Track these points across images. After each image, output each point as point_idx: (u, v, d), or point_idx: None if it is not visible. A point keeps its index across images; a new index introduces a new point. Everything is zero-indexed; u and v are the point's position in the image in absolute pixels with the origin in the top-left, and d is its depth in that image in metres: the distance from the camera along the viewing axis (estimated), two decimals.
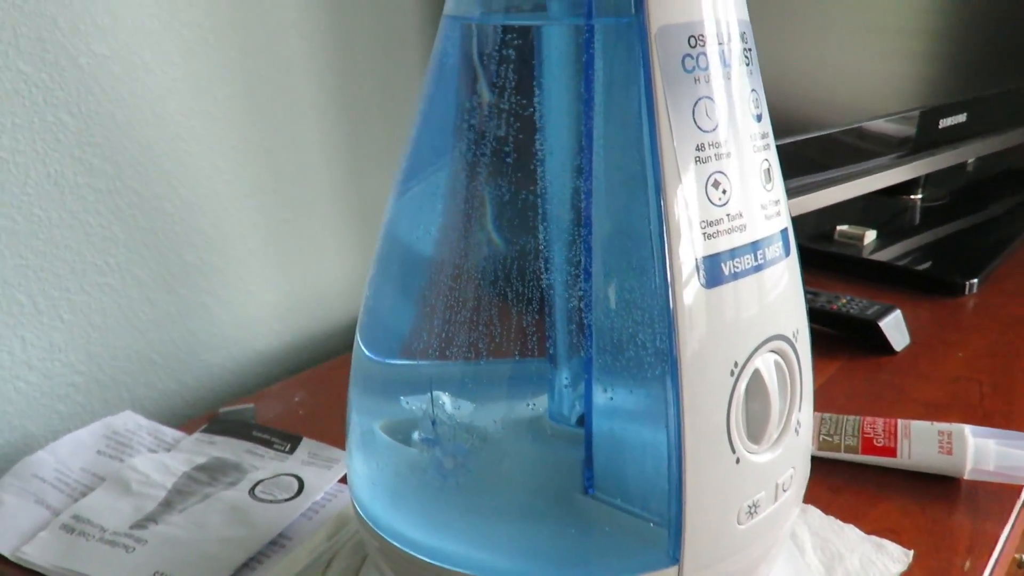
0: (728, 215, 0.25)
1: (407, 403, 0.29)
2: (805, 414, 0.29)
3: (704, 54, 0.24)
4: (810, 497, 0.40)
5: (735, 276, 0.25)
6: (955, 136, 0.81)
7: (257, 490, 0.41)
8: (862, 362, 0.55)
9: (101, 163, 0.49)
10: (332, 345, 0.64)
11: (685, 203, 0.24)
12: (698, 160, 0.24)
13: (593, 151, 0.26)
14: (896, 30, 0.71)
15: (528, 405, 0.31)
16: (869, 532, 0.38)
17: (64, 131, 0.47)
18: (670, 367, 0.24)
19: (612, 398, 0.28)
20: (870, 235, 0.74)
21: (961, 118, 0.81)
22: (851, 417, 0.45)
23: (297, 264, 0.61)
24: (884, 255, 0.72)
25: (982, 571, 0.36)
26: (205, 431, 0.47)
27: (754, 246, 0.25)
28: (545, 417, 0.32)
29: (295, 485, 0.41)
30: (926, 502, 0.41)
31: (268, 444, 0.45)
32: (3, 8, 0.43)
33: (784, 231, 0.27)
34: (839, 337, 0.58)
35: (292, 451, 0.45)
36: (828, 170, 0.67)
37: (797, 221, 0.69)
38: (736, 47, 0.25)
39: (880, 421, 0.44)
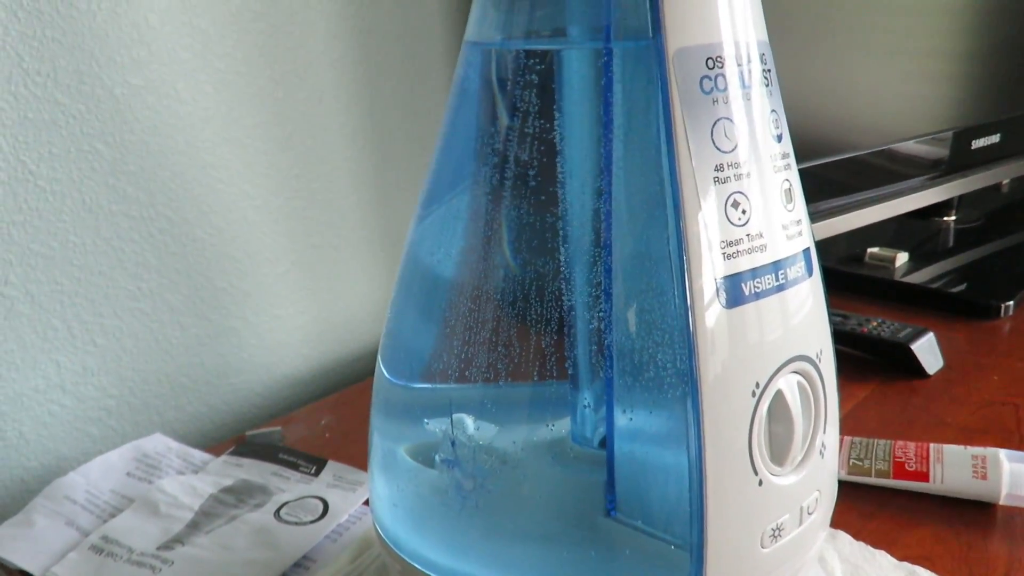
0: (748, 235, 0.25)
1: (428, 425, 0.29)
2: (831, 436, 0.28)
3: (723, 75, 0.24)
4: (840, 522, 0.40)
5: (756, 296, 0.25)
6: (988, 157, 0.80)
7: (282, 512, 0.41)
8: (894, 386, 0.55)
9: (135, 191, 0.50)
10: (359, 369, 0.65)
11: (704, 223, 0.24)
12: (717, 180, 0.24)
13: (613, 173, 0.26)
14: (928, 52, 0.71)
15: (550, 427, 0.31)
16: (901, 559, 0.38)
17: (99, 160, 0.48)
18: (690, 388, 0.24)
19: (633, 420, 0.28)
20: (902, 257, 0.73)
21: (994, 139, 0.80)
22: (882, 441, 0.44)
23: (325, 289, 0.62)
24: (916, 278, 0.71)
25: None
26: (233, 453, 0.48)
27: (775, 266, 0.25)
28: (568, 439, 0.31)
29: (320, 507, 0.42)
30: (960, 528, 0.40)
31: (294, 467, 0.46)
32: (43, 42, 0.45)
33: (807, 251, 0.27)
34: (871, 361, 0.58)
35: (318, 473, 0.45)
36: (859, 192, 0.66)
37: (828, 243, 0.69)
38: (755, 68, 0.25)
39: (912, 445, 0.43)
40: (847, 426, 0.49)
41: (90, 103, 0.47)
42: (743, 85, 0.25)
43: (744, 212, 0.25)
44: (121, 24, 0.48)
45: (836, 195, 0.65)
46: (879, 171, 0.68)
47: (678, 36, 0.23)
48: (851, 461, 0.43)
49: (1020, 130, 0.83)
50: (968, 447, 0.42)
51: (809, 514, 0.27)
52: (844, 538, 0.39)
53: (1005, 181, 0.99)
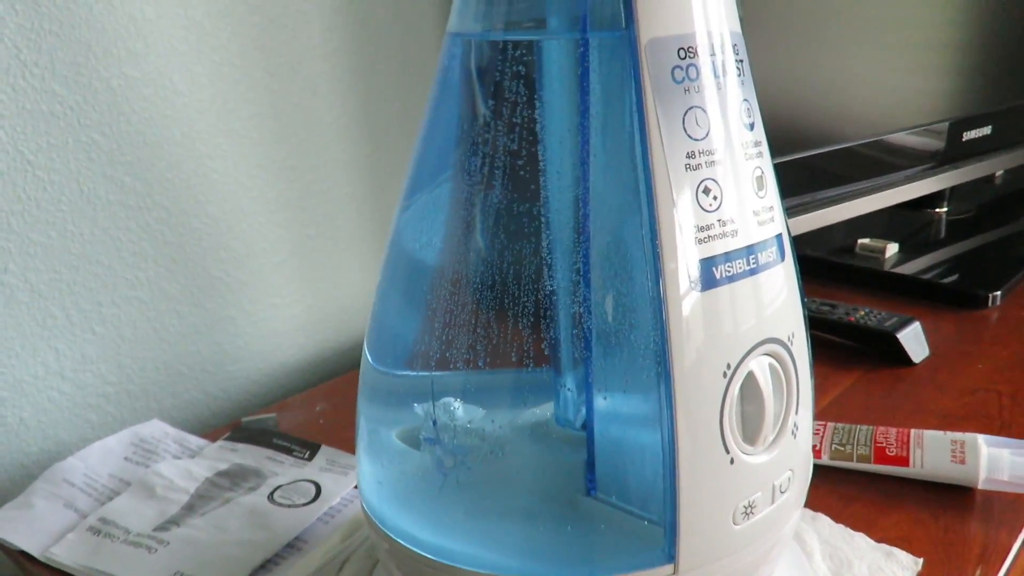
0: (719, 220, 0.25)
1: (412, 409, 0.30)
2: (803, 418, 0.29)
3: (694, 65, 0.25)
4: (821, 506, 0.41)
5: (728, 280, 0.26)
6: (979, 149, 0.80)
7: (276, 495, 0.42)
8: (880, 374, 0.55)
9: (132, 181, 0.51)
10: (353, 357, 0.66)
11: (676, 209, 0.25)
12: (688, 167, 0.25)
13: (590, 161, 0.26)
14: (919, 44, 0.71)
15: (534, 411, 0.32)
16: (880, 541, 0.38)
17: (97, 150, 0.49)
18: (663, 369, 0.25)
19: (612, 402, 0.29)
20: (892, 248, 0.74)
21: (986, 131, 0.80)
22: (864, 427, 0.45)
23: (320, 279, 0.63)
24: (906, 268, 0.72)
25: None
26: (228, 439, 0.49)
27: (747, 251, 0.26)
28: (551, 422, 0.32)
29: (312, 490, 0.43)
30: (939, 511, 0.41)
31: (288, 451, 0.47)
32: (41, 34, 0.46)
33: (779, 237, 0.28)
34: (858, 349, 0.58)
35: (311, 458, 0.46)
36: (850, 183, 0.67)
37: (820, 234, 0.70)
38: (728, 58, 0.26)
39: (893, 431, 0.44)
40: (832, 413, 0.50)
41: (87, 94, 0.48)
42: (715, 75, 0.26)
43: (715, 198, 0.25)
44: (118, 16, 0.48)
45: (828, 186, 0.65)
46: (870, 162, 0.69)
47: (650, 27, 0.24)
48: (833, 446, 0.44)
49: (1011, 122, 0.83)
50: (948, 432, 0.43)
51: (782, 492, 0.28)
52: (824, 520, 0.40)
53: (998, 173, 1.00)
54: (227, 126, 0.55)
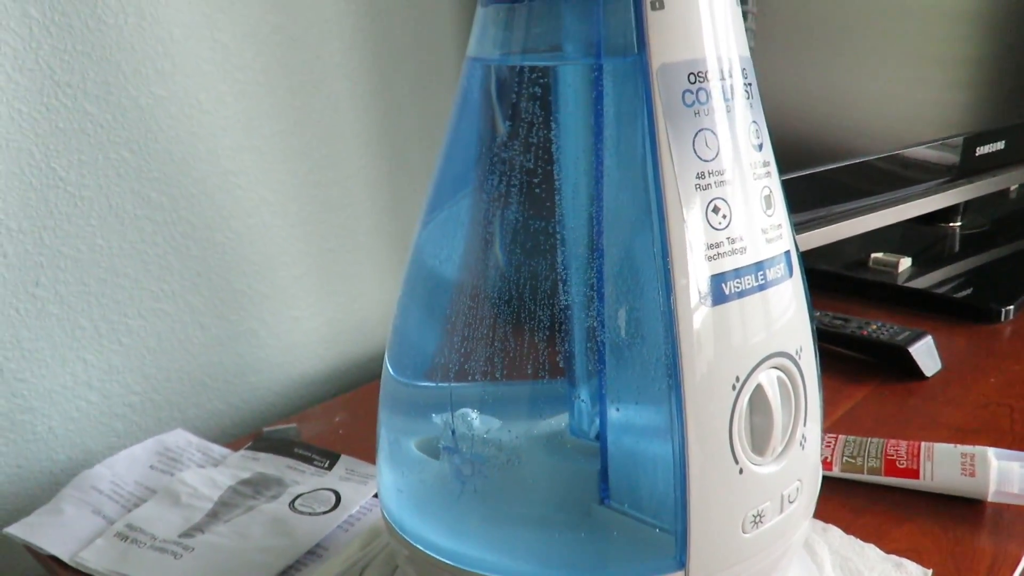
0: (729, 238, 0.26)
1: (431, 419, 0.31)
2: (812, 430, 0.30)
3: (704, 89, 0.26)
4: (832, 517, 0.41)
5: (737, 296, 0.27)
6: (993, 164, 0.80)
7: (297, 503, 0.43)
8: (892, 387, 0.56)
9: (158, 196, 0.52)
10: (372, 369, 0.67)
11: (687, 227, 0.26)
12: (699, 187, 0.26)
13: (604, 180, 0.27)
14: (935, 58, 0.72)
15: (549, 421, 0.33)
16: (890, 552, 0.39)
17: (125, 167, 0.51)
18: (674, 381, 0.26)
19: (625, 413, 0.30)
20: (905, 262, 0.74)
21: (999, 145, 0.81)
22: (875, 440, 0.46)
23: (340, 292, 0.64)
24: (920, 282, 0.72)
25: None
26: (250, 448, 0.50)
27: (755, 267, 0.27)
28: (567, 432, 0.33)
29: (332, 499, 0.44)
30: (949, 524, 0.41)
31: (308, 460, 0.48)
32: (73, 56, 0.47)
33: (787, 253, 0.28)
34: (870, 363, 0.59)
35: (331, 467, 0.47)
36: (863, 197, 0.68)
37: (834, 248, 0.70)
38: (737, 82, 0.27)
39: (904, 443, 0.45)
40: (844, 425, 0.51)
41: (117, 113, 0.50)
42: (725, 98, 0.27)
43: (724, 217, 0.26)
44: (147, 38, 0.50)
45: (842, 200, 0.66)
46: (884, 176, 0.69)
47: (661, 53, 0.25)
48: (844, 459, 0.45)
49: None
50: (958, 445, 0.44)
51: (790, 502, 0.29)
52: (835, 532, 0.40)
53: (1013, 187, 1.00)
54: (251, 143, 0.56)
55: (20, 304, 0.48)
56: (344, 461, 0.48)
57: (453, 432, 0.29)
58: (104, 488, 0.45)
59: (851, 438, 0.46)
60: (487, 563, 0.29)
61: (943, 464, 0.43)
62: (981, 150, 0.79)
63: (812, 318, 0.30)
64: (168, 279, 0.54)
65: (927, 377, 0.57)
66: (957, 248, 0.84)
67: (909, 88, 0.70)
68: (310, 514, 0.42)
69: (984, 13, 0.75)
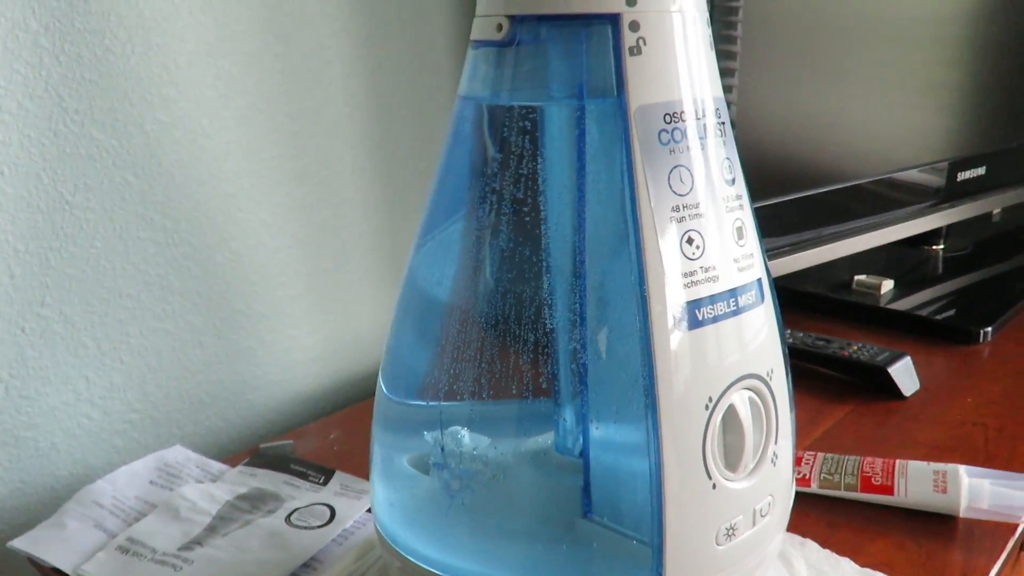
0: (702, 267, 0.28)
1: (423, 437, 0.33)
2: (783, 447, 0.31)
3: (679, 128, 0.28)
4: (810, 532, 0.43)
5: (711, 320, 0.28)
6: (974, 188, 0.83)
7: (293, 517, 0.45)
8: (872, 407, 0.58)
9: (161, 219, 0.54)
10: (367, 387, 0.68)
11: (662, 257, 0.27)
12: (673, 219, 0.28)
13: (586, 212, 0.29)
14: (917, 85, 0.74)
15: (536, 439, 0.34)
16: (865, 566, 0.41)
17: (129, 190, 0.52)
18: (650, 401, 0.28)
19: (605, 431, 0.31)
20: (887, 284, 0.76)
21: (980, 171, 0.83)
22: (852, 457, 0.47)
23: (336, 312, 0.66)
24: (902, 304, 0.74)
25: None
26: (247, 464, 0.51)
27: (728, 294, 0.29)
28: (552, 450, 0.35)
29: (327, 513, 0.45)
30: (922, 538, 0.43)
31: (304, 476, 0.49)
32: (81, 83, 0.49)
33: (759, 281, 0.30)
34: (851, 383, 0.61)
35: (326, 483, 0.48)
36: (848, 221, 0.70)
37: (819, 270, 0.72)
38: (711, 121, 0.29)
39: (879, 461, 0.46)
40: (825, 444, 0.53)
41: (122, 138, 0.51)
42: (699, 136, 0.28)
43: (698, 247, 0.28)
44: (152, 66, 0.52)
45: (826, 223, 0.68)
46: (867, 200, 0.72)
47: (639, 95, 0.27)
48: (822, 475, 0.46)
49: (1005, 163, 0.86)
50: (931, 463, 0.45)
51: (763, 516, 0.31)
52: (812, 546, 0.42)
53: (996, 211, 1.02)
54: (251, 167, 0.58)
55: (26, 323, 0.49)
56: (339, 477, 0.49)
57: (443, 449, 0.31)
58: (105, 503, 0.47)
59: (829, 456, 0.48)
60: (476, 574, 0.31)
61: (916, 481, 0.44)
62: (963, 175, 0.81)
63: (784, 342, 0.32)
64: (169, 299, 0.56)
65: (906, 397, 0.58)
66: (940, 271, 0.86)
67: (894, 114, 0.72)
68: (306, 528, 0.44)
69: (966, 40, 0.77)
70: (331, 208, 0.64)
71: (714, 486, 0.28)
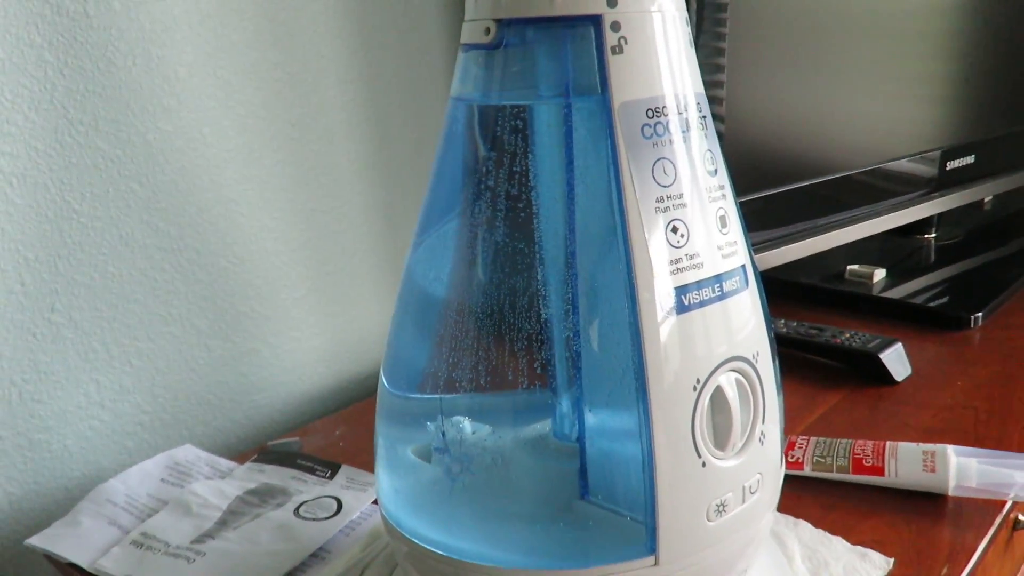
0: (687, 255, 0.29)
1: (424, 427, 0.34)
2: (771, 428, 0.33)
3: (661, 123, 0.29)
4: (803, 514, 0.44)
5: (697, 305, 0.30)
6: (964, 177, 0.84)
7: (301, 510, 0.46)
8: (864, 392, 0.59)
9: (166, 226, 0.55)
10: (371, 385, 0.70)
11: (648, 245, 0.29)
12: (658, 210, 0.29)
13: (575, 205, 0.31)
14: (907, 75, 0.75)
15: (536, 426, 0.36)
16: (856, 544, 0.42)
17: (134, 198, 0.54)
18: (640, 384, 0.29)
19: (599, 416, 0.32)
20: (879, 274, 0.77)
21: (969, 160, 0.84)
22: (843, 440, 0.49)
23: (338, 313, 0.67)
24: (894, 293, 0.75)
25: None
26: (256, 461, 0.53)
27: (713, 280, 0.30)
28: (550, 435, 0.36)
29: (334, 506, 0.46)
30: (912, 517, 0.44)
31: (311, 471, 0.51)
32: (86, 96, 0.50)
33: (743, 267, 0.32)
34: (844, 370, 0.62)
35: (332, 477, 0.50)
36: (840, 211, 0.71)
37: (813, 261, 0.73)
38: (692, 115, 0.30)
39: (870, 443, 0.48)
40: (819, 429, 0.54)
41: (126, 148, 0.53)
42: (681, 130, 0.30)
43: (683, 236, 0.29)
44: (153, 77, 0.53)
45: (819, 215, 0.69)
46: (858, 191, 0.73)
47: (622, 92, 0.28)
48: (815, 459, 0.47)
49: (994, 151, 0.87)
50: (920, 444, 0.46)
51: (752, 493, 0.32)
52: (805, 526, 0.43)
53: (987, 199, 1.03)
54: (252, 173, 0.60)
55: (37, 329, 0.51)
56: (345, 471, 0.50)
57: (443, 434, 0.32)
58: (119, 500, 0.48)
59: (822, 440, 0.49)
60: (478, 554, 0.32)
61: (906, 462, 0.46)
62: (952, 164, 0.82)
63: (769, 325, 0.33)
64: (175, 303, 0.57)
65: (897, 382, 0.60)
66: (932, 259, 0.87)
67: (884, 105, 0.74)
68: (314, 520, 0.45)
69: (954, 32, 0.78)
70: (332, 211, 0.65)
71: (704, 464, 0.30)
